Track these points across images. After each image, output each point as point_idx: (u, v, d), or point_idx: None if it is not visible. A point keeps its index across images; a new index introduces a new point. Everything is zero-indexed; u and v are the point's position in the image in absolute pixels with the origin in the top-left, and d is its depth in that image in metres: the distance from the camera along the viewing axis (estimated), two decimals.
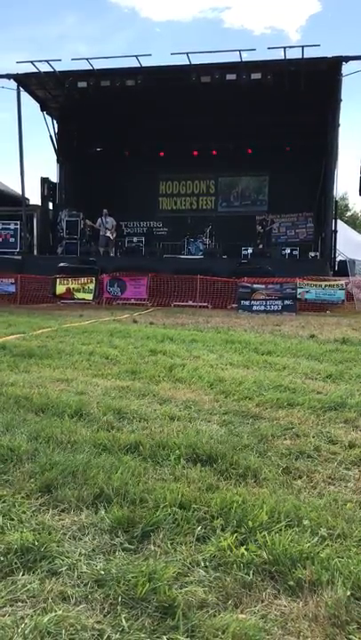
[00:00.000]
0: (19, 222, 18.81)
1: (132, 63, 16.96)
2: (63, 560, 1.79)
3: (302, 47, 15.81)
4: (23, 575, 1.72)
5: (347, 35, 70.86)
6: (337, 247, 17.97)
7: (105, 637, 1.45)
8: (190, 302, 14.63)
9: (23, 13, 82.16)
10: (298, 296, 13.77)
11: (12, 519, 2.05)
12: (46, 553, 1.82)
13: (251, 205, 21.91)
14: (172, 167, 21.61)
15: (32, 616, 1.52)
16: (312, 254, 18.38)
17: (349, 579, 1.69)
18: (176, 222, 21.47)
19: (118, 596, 1.61)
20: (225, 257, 18.35)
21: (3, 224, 19.22)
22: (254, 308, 13.57)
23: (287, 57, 16.20)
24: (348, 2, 76.23)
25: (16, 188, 21.74)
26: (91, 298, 15.27)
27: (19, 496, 2.24)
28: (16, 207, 19.79)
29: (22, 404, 3.60)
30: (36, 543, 1.85)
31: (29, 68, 17.57)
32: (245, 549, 1.84)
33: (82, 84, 17.59)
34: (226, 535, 1.93)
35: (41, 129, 25.03)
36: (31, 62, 17.34)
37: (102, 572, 1.72)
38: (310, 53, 16.05)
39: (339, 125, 16.91)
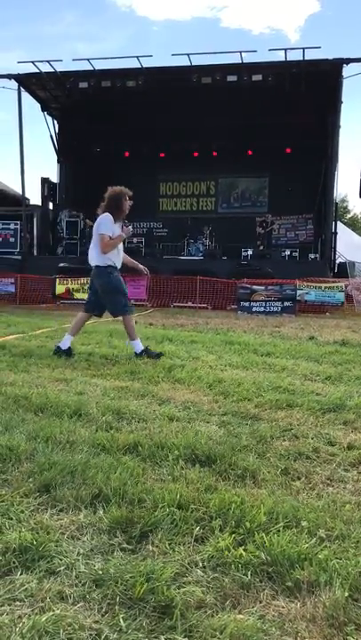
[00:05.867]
0: (19, 222, 18.82)
1: (133, 63, 16.99)
2: (61, 560, 1.79)
3: (303, 49, 15.86)
4: (21, 574, 1.71)
5: (346, 35, 71.11)
6: (337, 249, 18.00)
7: (103, 637, 1.45)
8: (190, 303, 14.64)
9: (20, 12, 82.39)
10: (297, 298, 13.78)
11: (11, 518, 2.05)
12: (44, 552, 1.82)
13: (251, 207, 21.94)
14: (173, 168, 21.64)
15: (30, 615, 1.52)
16: (312, 256, 18.40)
17: (347, 580, 1.69)
18: (176, 223, 21.49)
19: (116, 595, 1.61)
20: (225, 258, 18.37)
21: (3, 224, 19.23)
22: (254, 309, 13.58)
23: (288, 59, 16.24)
24: (346, 2, 76.41)
25: (16, 187, 21.79)
26: None
27: (17, 495, 2.24)
28: (16, 207, 19.82)
29: (21, 404, 3.60)
30: (35, 543, 1.85)
31: (30, 68, 17.61)
32: (244, 550, 1.84)
33: (83, 85, 17.63)
34: (224, 536, 1.93)
35: (42, 129, 25.08)
36: (32, 62, 17.39)
37: (100, 572, 1.72)
38: (311, 55, 16.11)
39: (339, 127, 16.96)
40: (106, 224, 5.75)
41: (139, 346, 5.82)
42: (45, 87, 18.69)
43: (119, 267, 5.98)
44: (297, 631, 1.49)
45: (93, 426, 3.18)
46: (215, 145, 20.51)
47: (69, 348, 5.80)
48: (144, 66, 16.94)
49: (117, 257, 5.94)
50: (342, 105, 16.65)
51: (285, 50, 16.12)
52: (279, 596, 1.65)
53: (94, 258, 5.90)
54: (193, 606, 1.58)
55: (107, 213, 5.78)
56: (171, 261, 17.91)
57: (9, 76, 17.67)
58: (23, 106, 18.27)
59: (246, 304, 13.73)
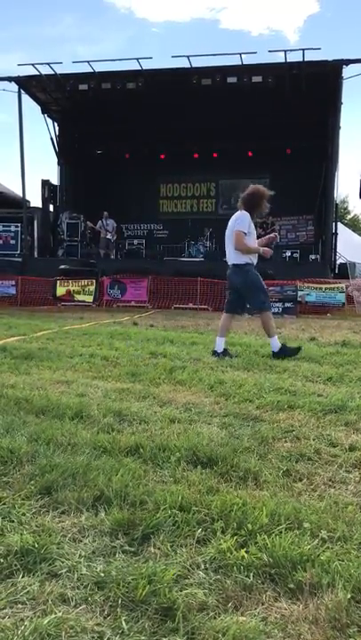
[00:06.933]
0: (19, 224, 18.83)
1: (133, 65, 17.01)
2: (63, 562, 1.79)
3: (303, 50, 15.88)
4: (23, 577, 1.71)
5: (345, 36, 71.15)
6: (337, 250, 17.99)
7: (105, 639, 1.45)
8: (191, 305, 14.65)
9: (20, 14, 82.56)
10: (298, 298, 13.78)
11: (12, 521, 2.05)
12: (46, 555, 1.82)
13: None
14: (173, 170, 21.65)
15: (32, 618, 1.51)
16: (313, 257, 18.39)
17: (350, 581, 1.68)
18: (176, 225, 21.49)
19: (118, 598, 1.60)
20: (225, 259, 18.36)
21: (3, 226, 19.24)
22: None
23: (288, 60, 16.26)
24: (346, 3, 76.50)
25: (17, 190, 21.82)
26: (91, 300, 15.29)
27: (19, 498, 2.24)
28: (17, 209, 19.83)
29: (22, 406, 3.60)
30: (36, 545, 1.85)
31: (30, 71, 17.65)
32: (246, 552, 1.84)
33: (83, 87, 17.65)
34: (226, 537, 1.93)
35: (42, 131, 25.09)
36: (32, 65, 17.41)
37: (102, 575, 1.71)
38: (311, 56, 16.13)
39: (339, 128, 16.97)
40: (243, 221, 5.82)
41: (276, 344, 5.86)
42: (45, 89, 18.71)
43: (255, 262, 6.05)
44: (299, 633, 1.49)
45: (95, 428, 3.18)
46: (215, 146, 20.52)
47: (225, 349, 5.98)
48: (144, 68, 16.96)
49: (254, 255, 6.02)
50: (342, 106, 16.69)
51: (285, 51, 16.15)
52: (281, 598, 1.65)
53: (232, 256, 5.98)
54: (195, 608, 1.57)
55: (245, 211, 5.82)
56: (171, 263, 17.92)
57: (9, 79, 17.70)
58: (23, 108, 18.30)
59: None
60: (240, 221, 5.83)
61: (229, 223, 6.04)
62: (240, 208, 5.94)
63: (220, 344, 5.99)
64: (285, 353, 5.77)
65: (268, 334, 5.96)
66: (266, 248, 6.05)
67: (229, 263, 6.08)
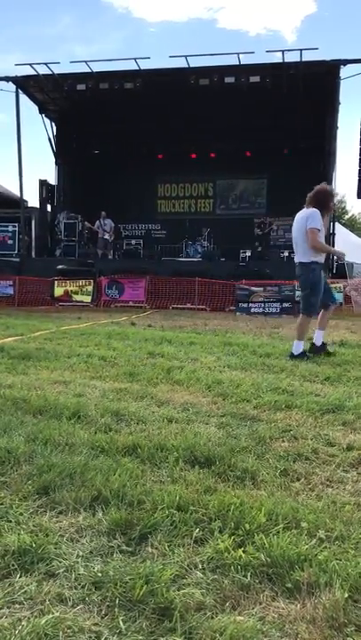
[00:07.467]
0: (17, 224, 18.82)
1: (131, 65, 17.01)
2: (61, 562, 1.79)
3: (300, 50, 15.90)
4: (20, 577, 1.71)
5: (343, 36, 71.28)
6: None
7: (102, 639, 1.45)
8: (189, 305, 14.64)
9: (17, 14, 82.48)
10: (296, 298, 13.78)
11: (10, 521, 2.05)
12: (44, 555, 1.81)
13: (249, 208, 21.94)
14: (171, 170, 21.64)
15: (29, 618, 1.51)
16: None
17: (347, 581, 1.69)
18: (174, 225, 21.48)
19: (116, 598, 1.60)
20: (223, 259, 18.37)
21: (1, 226, 19.23)
22: (253, 310, 13.59)
23: (285, 60, 16.28)
24: (343, 3, 76.64)
25: (14, 190, 21.80)
26: (89, 300, 15.27)
27: (16, 498, 2.24)
28: (14, 209, 19.80)
29: (20, 406, 3.60)
30: (34, 545, 1.84)
31: (28, 71, 17.62)
32: (243, 551, 1.84)
33: (80, 87, 17.63)
34: (224, 537, 1.93)
35: (40, 131, 25.10)
36: (30, 65, 17.39)
37: (100, 574, 1.71)
38: (308, 56, 16.15)
39: (337, 128, 16.98)
40: (315, 218, 5.80)
41: (298, 348, 5.89)
42: (43, 89, 18.69)
43: (322, 261, 6.06)
44: (297, 633, 1.49)
45: (92, 428, 3.18)
46: (213, 146, 20.52)
47: (323, 343, 6.10)
48: (142, 68, 16.96)
49: (321, 253, 6.02)
50: (340, 106, 16.70)
51: (283, 51, 16.18)
52: (279, 598, 1.65)
53: (300, 253, 5.96)
54: (192, 608, 1.57)
55: (316, 209, 5.82)
56: (169, 263, 17.91)
57: (7, 79, 17.68)
58: (21, 108, 18.27)
59: (245, 305, 13.73)
60: (312, 219, 5.77)
61: (298, 221, 5.97)
62: (308, 206, 5.92)
63: (318, 337, 6.07)
64: (302, 357, 5.80)
65: (297, 337, 5.96)
66: (341, 251, 6.09)
67: (296, 261, 6.05)
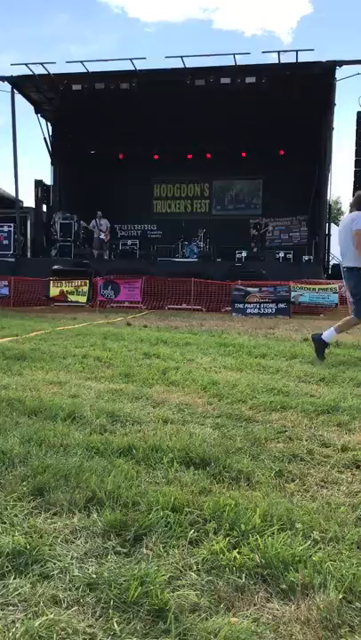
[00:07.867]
0: (12, 224, 18.77)
1: (127, 65, 17.00)
2: (55, 564, 1.78)
3: (296, 51, 15.93)
4: (14, 579, 1.71)
5: (338, 37, 71.44)
6: (330, 251, 18.04)
7: None
8: (184, 305, 14.63)
9: (13, 14, 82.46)
10: (292, 299, 13.81)
11: (4, 522, 2.04)
12: (38, 556, 1.81)
13: (245, 209, 21.98)
14: (167, 170, 21.66)
15: (23, 620, 1.51)
16: (306, 258, 18.43)
17: (341, 582, 1.69)
18: (170, 225, 21.49)
19: (110, 599, 1.60)
20: (219, 260, 18.39)
21: None
22: (248, 311, 13.59)
23: (281, 61, 16.30)
24: (339, 4, 76.80)
25: (10, 190, 21.74)
26: (84, 300, 15.25)
27: (10, 499, 2.23)
28: (10, 209, 19.76)
29: (15, 407, 3.59)
30: (28, 547, 1.84)
31: (24, 71, 17.59)
32: (238, 553, 1.84)
33: (76, 87, 17.60)
34: (218, 538, 1.93)
35: (35, 131, 25.03)
36: (25, 65, 17.36)
37: (94, 576, 1.71)
38: (304, 57, 16.17)
39: (333, 129, 17.01)
40: None
41: (329, 335, 5.89)
42: (39, 89, 18.66)
43: None
44: (291, 634, 1.49)
45: (87, 429, 3.18)
46: (209, 147, 20.55)
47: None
48: (137, 68, 16.95)
49: None
50: (336, 107, 16.73)
51: (278, 52, 16.20)
52: (273, 599, 1.65)
53: (349, 258, 5.84)
54: (187, 609, 1.57)
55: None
56: (165, 263, 17.91)
57: (2, 79, 17.64)
58: (17, 108, 18.23)
59: (241, 306, 13.73)
60: (358, 221, 5.67)
61: (344, 225, 5.90)
62: (352, 209, 5.87)
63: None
64: (318, 346, 5.83)
65: (335, 328, 5.92)
66: None
67: (343, 266, 5.94)
